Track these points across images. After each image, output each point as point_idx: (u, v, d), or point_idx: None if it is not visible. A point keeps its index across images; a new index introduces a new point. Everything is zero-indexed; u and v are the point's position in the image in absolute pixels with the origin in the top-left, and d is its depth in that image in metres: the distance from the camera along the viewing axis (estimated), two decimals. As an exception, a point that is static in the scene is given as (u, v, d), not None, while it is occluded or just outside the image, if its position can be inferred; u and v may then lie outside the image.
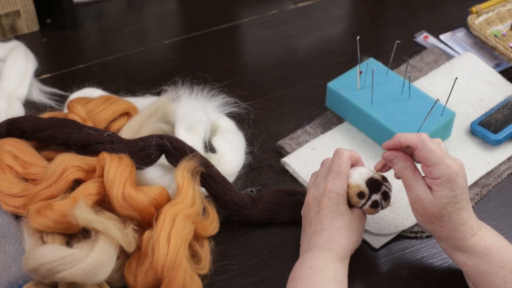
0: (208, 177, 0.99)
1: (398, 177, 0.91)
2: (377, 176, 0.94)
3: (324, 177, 0.94)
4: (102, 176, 0.95)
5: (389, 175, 0.95)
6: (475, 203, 1.06)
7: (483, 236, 0.88)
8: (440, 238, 0.90)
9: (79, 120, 1.05)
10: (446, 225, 0.87)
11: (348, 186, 0.93)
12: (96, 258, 0.86)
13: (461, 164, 0.87)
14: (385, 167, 0.93)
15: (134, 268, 0.91)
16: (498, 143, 1.11)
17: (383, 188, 0.93)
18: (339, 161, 0.94)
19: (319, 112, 1.19)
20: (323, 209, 0.91)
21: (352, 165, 0.95)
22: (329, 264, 0.88)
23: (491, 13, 1.34)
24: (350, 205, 0.94)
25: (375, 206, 0.93)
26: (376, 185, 0.93)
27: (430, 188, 0.87)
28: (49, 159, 1.02)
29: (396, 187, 1.06)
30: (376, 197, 0.93)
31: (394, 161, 0.90)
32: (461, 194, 0.86)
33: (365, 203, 0.93)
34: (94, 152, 1.01)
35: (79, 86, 1.21)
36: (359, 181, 0.93)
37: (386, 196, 0.94)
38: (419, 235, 1.01)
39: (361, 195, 0.93)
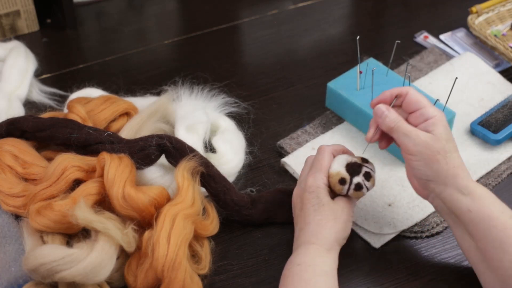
0: (208, 177, 0.99)
1: (391, 132, 0.92)
2: (356, 159, 0.95)
3: (306, 174, 0.95)
4: (102, 176, 0.95)
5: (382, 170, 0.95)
6: (475, 203, 1.06)
7: (479, 184, 0.90)
8: (446, 180, 0.89)
9: (79, 120, 1.05)
10: (451, 161, 0.89)
11: (329, 177, 0.94)
12: (96, 258, 0.86)
13: None
14: (376, 134, 0.94)
15: (134, 268, 0.91)
16: (498, 143, 1.11)
17: (364, 169, 0.94)
18: (319, 156, 0.95)
19: (319, 112, 1.19)
20: (305, 205, 0.92)
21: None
22: (316, 258, 0.88)
23: (491, 13, 1.34)
24: (336, 195, 0.94)
25: (359, 188, 0.93)
26: (355, 167, 0.93)
27: (426, 131, 0.89)
28: (49, 159, 1.02)
29: (396, 187, 1.06)
30: (358, 179, 0.93)
31: (385, 113, 0.91)
32: (451, 132, 0.90)
33: (348, 188, 0.93)
34: (94, 152, 1.01)
35: (79, 86, 1.21)
36: (339, 168, 0.93)
37: (368, 176, 0.94)
38: (419, 235, 1.01)
39: (342, 181, 0.93)
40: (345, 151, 0.97)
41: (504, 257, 0.85)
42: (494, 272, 0.87)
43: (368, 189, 0.94)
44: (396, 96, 0.93)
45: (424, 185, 0.92)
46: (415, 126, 0.90)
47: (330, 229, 0.90)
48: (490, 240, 0.87)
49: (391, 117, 0.91)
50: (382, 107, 0.92)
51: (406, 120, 0.92)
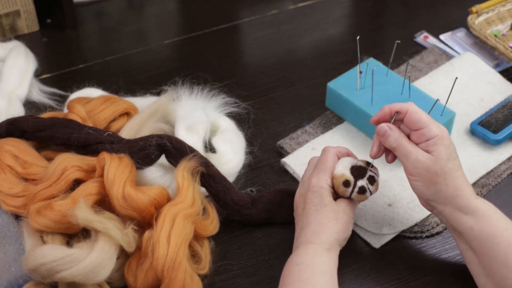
0: (208, 176, 0.99)
1: (394, 151, 0.92)
2: (360, 163, 0.95)
3: (309, 175, 0.95)
4: (102, 176, 0.95)
5: (381, 169, 0.95)
6: (475, 203, 1.06)
7: (484, 201, 0.90)
8: (445, 200, 0.89)
9: (79, 120, 1.05)
10: (451, 182, 0.88)
11: (333, 178, 0.94)
12: (96, 258, 0.86)
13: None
14: (380, 151, 0.94)
15: (134, 268, 0.91)
16: (498, 143, 1.11)
17: (368, 173, 0.94)
18: (324, 157, 0.95)
19: (319, 112, 1.19)
20: (308, 204, 0.92)
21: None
22: (315, 257, 0.88)
23: (491, 13, 1.34)
24: (339, 196, 0.94)
25: (363, 192, 0.93)
26: (360, 171, 0.94)
27: (426, 151, 0.89)
28: (49, 159, 1.02)
29: (396, 187, 1.06)
30: (362, 182, 0.93)
31: (388, 132, 0.91)
32: (454, 151, 0.90)
33: (352, 191, 0.93)
34: (94, 152, 1.01)
35: (79, 86, 1.21)
36: (343, 170, 0.93)
37: (372, 180, 0.94)
38: (419, 235, 1.01)
39: (346, 183, 0.93)
40: (349, 154, 0.97)
41: (508, 274, 0.85)
42: (496, 286, 0.87)
43: (371, 193, 0.94)
44: (397, 112, 0.92)
45: (426, 202, 0.93)
46: (418, 143, 0.90)
47: (331, 229, 0.90)
48: (494, 257, 0.87)
49: (393, 137, 0.91)
50: (384, 126, 0.92)
51: (409, 136, 0.92)
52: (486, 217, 0.88)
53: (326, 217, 0.91)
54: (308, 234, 0.90)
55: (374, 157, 0.95)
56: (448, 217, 0.91)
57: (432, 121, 0.90)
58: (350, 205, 0.94)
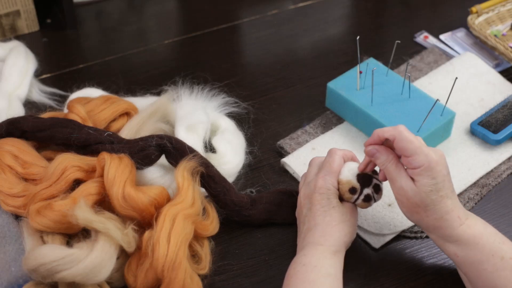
0: (208, 177, 0.99)
1: (382, 177, 0.93)
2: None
3: (314, 175, 0.95)
4: (102, 176, 0.95)
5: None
6: (475, 203, 1.06)
7: (471, 225, 0.88)
8: (428, 229, 0.90)
9: (79, 120, 1.05)
10: (432, 214, 0.87)
11: (339, 183, 0.94)
12: (96, 258, 0.86)
13: (441, 153, 0.88)
14: (368, 166, 0.94)
15: (134, 268, 0.91)
16: (498, 143, 1.11)
17: (374, 181, 0.94)
18: (330, 159, 0.95)
19: (319, 112, 1.19)
20: (315, 205, 0.92)
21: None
22: (322, 259, 0.88)
23: (491, 13, 1.34)
24: (343, 201, 0.94)
25: (368, 200, 0.94)
26: (366, 179, 0.94)
27: (412, 178, 0.87)
28: (49, 159, 1.02)
29: (396, 187, 1.06)
30: (367, 191, 0.93)
31: (376, 155, 0.91)
32: (443, 182, 0.87)
33: (357, 198, 0.93)
34: (94, 152, 1.01)
35: (79, 86, 1.21)
36: (350, 176, 0.93)
37: (377, 189, 0.94)
38: (419, 235, 1.01)
39: (352, 190, 0.93)
40: (354, 159, 0.97)
41: None
42: None
43: (375, 201, 0.94)
44: (387, 139, 0.90)
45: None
46: (406, 168, 0.89)
47: (340, 231, 0.91)
48: (482, 281, 0.87)
49: (380, 160, 0.90)
50: (372, 149, 0.91)
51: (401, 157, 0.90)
52: (472, 244, 0.87)
53: (335, 219, 0.91)
54: (317, 235, 0.90)
55: (361, 171, 0.94)
56: (433, 241, 0.91)
57: (420, 150, 0.86)
58: (355, 207, 0.95)
